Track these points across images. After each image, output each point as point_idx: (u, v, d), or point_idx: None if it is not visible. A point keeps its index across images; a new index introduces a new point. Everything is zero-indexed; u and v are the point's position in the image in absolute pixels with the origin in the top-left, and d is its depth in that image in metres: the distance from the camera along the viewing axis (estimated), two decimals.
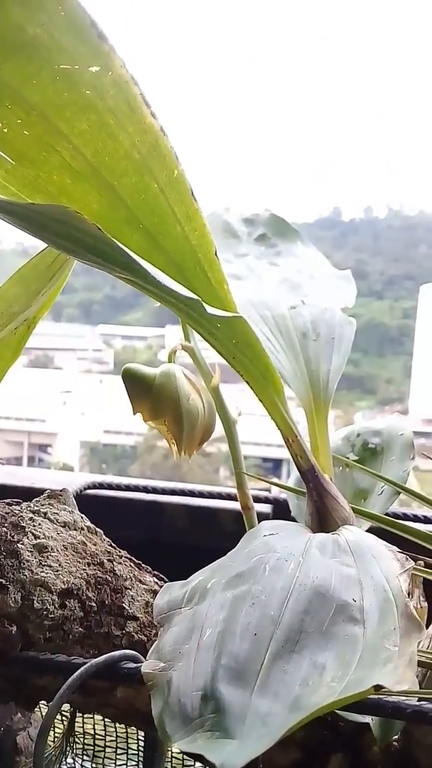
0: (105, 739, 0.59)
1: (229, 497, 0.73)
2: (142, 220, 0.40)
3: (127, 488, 0.74)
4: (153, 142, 0.39)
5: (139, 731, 0.57)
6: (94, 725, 0.60)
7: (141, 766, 0.53)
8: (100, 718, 0.58)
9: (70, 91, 0.36)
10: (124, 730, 0.59)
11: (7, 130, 0.37)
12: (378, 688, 0.26)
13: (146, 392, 0.50)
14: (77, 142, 0.38)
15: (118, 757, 0.58)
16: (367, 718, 0.39)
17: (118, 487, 0.74)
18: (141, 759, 0.53)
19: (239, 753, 0.25)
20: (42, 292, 0.49)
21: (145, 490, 0.74)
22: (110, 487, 0.74)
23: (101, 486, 0.74)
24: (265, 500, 0.70)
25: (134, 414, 0.51)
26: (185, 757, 0.56)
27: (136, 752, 0.56)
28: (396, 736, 0.40)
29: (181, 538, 0.72)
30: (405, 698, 0.33)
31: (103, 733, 0.59)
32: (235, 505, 0.69)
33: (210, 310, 0.35)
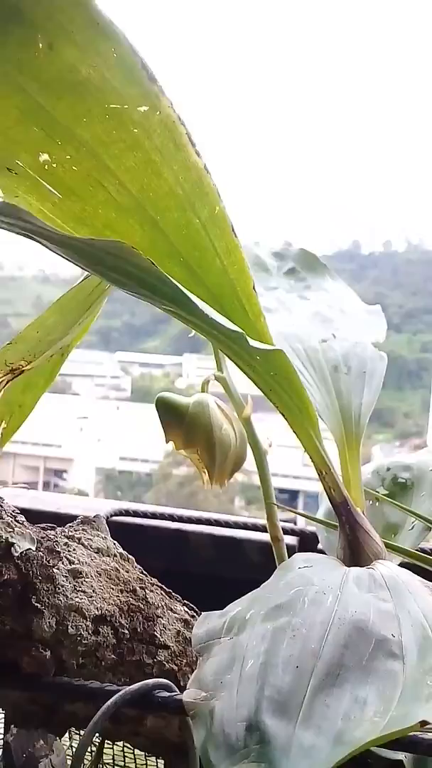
0: None
1: (255, 528, 0.72)
2: (183, 254, 0.41)
3: (153, 516, 0.74)
4: (196, 180, 0.40)
5: (158, 761, 0.57)
6: (113, 756, 0.59)
7: None
8: (119, 749, 0.58)
9: (119, 129, 0.38)
10: (143, 762, 0.59)
11: (56, 165, 0.38)
12: (423, 723, 0.26)
13: (179, 421, 0.51)
14: (123, 178, 0.39)
15: None
16: (399, 755, 0.39)
17: (144, 515, 0.74)
18: None
19: None
20: (79, 322, 0.50)
21: (171, 518, 0.74)
22: (136, 514, 0.74)
23: (127, 513, 0.74)
24: (291, 532, 0.70)
25: (167, 442, 0.51)
26: None
27: None
28: None
29: (205, 568, 0.72)
30: None
31: (122, 763, 0.59)
32: (260, 536, 0.69)
33: (252, 343, 0.36)
